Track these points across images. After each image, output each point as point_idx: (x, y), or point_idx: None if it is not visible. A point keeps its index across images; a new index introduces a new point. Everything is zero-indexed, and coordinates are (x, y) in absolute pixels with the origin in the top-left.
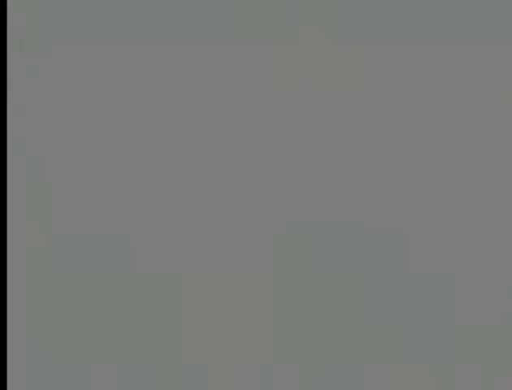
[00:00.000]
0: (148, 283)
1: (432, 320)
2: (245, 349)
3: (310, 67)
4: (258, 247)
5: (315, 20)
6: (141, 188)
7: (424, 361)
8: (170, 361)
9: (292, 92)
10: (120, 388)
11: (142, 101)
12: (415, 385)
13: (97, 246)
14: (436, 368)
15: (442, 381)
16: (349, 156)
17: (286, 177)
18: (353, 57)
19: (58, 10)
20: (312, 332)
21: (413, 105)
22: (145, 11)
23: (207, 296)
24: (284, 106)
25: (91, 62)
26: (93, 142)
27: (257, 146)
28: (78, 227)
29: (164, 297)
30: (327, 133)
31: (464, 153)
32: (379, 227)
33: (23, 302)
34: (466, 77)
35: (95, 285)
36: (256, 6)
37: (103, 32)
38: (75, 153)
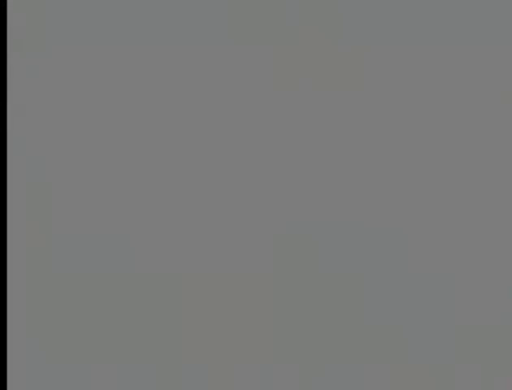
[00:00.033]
0: (148, 283)
1: (432, 320)
2: (245, 349)
3: (310, 67)
4: (258, 247)
5: (315, 20)
6: (140, 188)
7: (424, 361)
8: (170, 361)
9: (292, 92)
10: (120, 388)
11: (142, 101)
12: (415, 385)
13: (97, 246)
14: (436, 368)
15: (442, 381)
16: (348, 156)
17: (286, 177)
18: (353, 57)
19: (58, 10)
20: (312, 332)
21: (413, 105)
22: (145, 11)
23: (207, 296)
24: (284, 106)
25: (91, 62)
26: (93, 142)
27: (257, 146)
28: (78, 227)
29: (164, 297)
30: (327, 133)
31: (464, 153)
32: (379, 227)
33: (23, 302)
34: (466, 77)
35: (95, 285)
36: (256, 6)
37: (103, 32)
38: (75, 153)
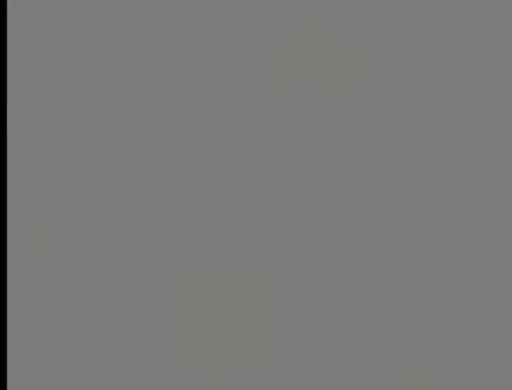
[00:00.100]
0: (148, 283)
1: (432, 320)
2: (245, 349)
3: (310, 67)
4: (258, 247)
5: (315, 20)
6: (140, 188)
7: (424, 361)
8: (170, 361)
9: (292, 92)
10: (120, 388)
11: (142, 101)
12: (415, 385)
13: (97, 246)
14: (436, 368)
15: (442, 381)
16: (348, 156)
17: (286, 177)
18: (353, 57)
19: (58, 10)
20: (312, 332)
21: (413, 105)
22: (145, 11)
23: (207, 296)
24: (284, 106)
25: (91, 62)
26: (93, 142)
27: (257, 146)
28: (78, 227)
29: (164, 297)
30: (327, 133)
31: (464, 153)
32: (379, 227)
33: (23, 302)
34: (466, 77)
35: (95, 285)
36: (256, 6)
37: (103, 32)
38: (75, 153)
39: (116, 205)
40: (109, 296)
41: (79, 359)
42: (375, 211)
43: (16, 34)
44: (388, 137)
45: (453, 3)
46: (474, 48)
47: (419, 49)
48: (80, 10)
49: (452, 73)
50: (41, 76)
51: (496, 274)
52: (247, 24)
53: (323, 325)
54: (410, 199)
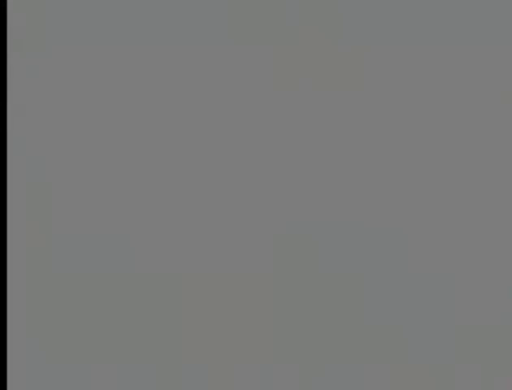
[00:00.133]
0: (148, 283)
1: (432, 320)
2: (244, 349)
3: (310, 67)
4: (258, 247)
5: (315, 20)
6: (140, 188)
7: (424, 361)
8: (170, 361)
9: (292, 92)
10: (120, 388)
11: (142, 101)
12: (415, 385)
13: (97, 246)
14: (436, 368)
15: (442, 381)
16: (348, 156)
17: (286, 177)
18: (353, 57)
19: (58, 10)
20: (312, 332)
21: (413, 105)
22: (145, 11)
23: (207, 296)
24: (284, 105)
25: (91, 62)
26: (93, 142)
27: (257, 146)
28: (78, 227)
29: (164, 297)
30: (327, 133)
31: (464, 153)
32: (379, 227)
33: (23, 302)
34: (466, 77)
35: (95, 285)
36: (256, 6)
37: (103, 32)
38: (75, 153)
39: (116, 205)
40: (109, 296)
41: (79, 359)
42: (375, 211)
43: (16, 34)
44: (388, 137)
45: (453, 3)
46: (474, 48)
47: (419, 49)
48: (79, 11)
49: (452, 73)
50: (41, 76)
51: (496, 274)
52: (247, 24)
53: (323, 325)
54: (409, 199)
